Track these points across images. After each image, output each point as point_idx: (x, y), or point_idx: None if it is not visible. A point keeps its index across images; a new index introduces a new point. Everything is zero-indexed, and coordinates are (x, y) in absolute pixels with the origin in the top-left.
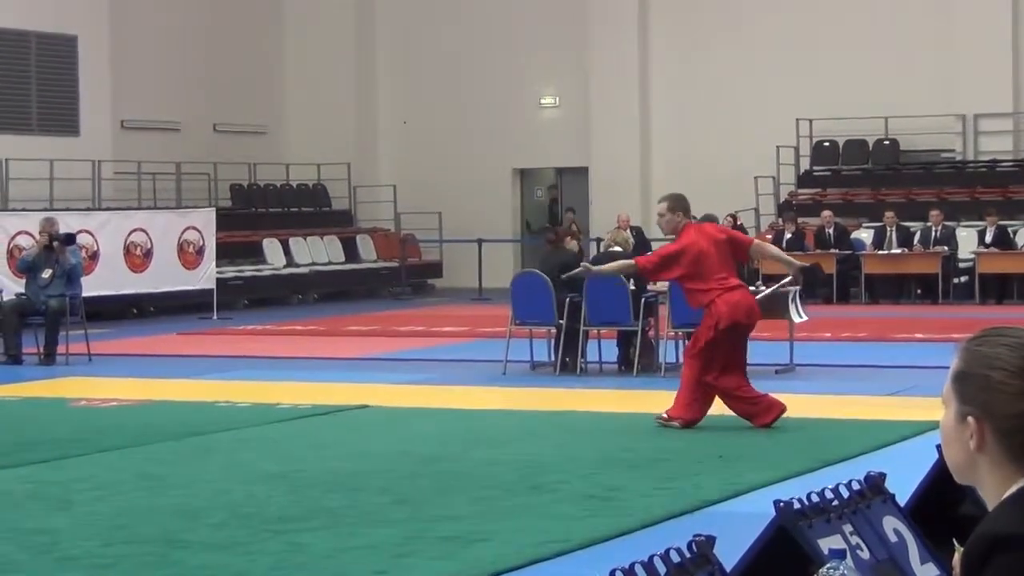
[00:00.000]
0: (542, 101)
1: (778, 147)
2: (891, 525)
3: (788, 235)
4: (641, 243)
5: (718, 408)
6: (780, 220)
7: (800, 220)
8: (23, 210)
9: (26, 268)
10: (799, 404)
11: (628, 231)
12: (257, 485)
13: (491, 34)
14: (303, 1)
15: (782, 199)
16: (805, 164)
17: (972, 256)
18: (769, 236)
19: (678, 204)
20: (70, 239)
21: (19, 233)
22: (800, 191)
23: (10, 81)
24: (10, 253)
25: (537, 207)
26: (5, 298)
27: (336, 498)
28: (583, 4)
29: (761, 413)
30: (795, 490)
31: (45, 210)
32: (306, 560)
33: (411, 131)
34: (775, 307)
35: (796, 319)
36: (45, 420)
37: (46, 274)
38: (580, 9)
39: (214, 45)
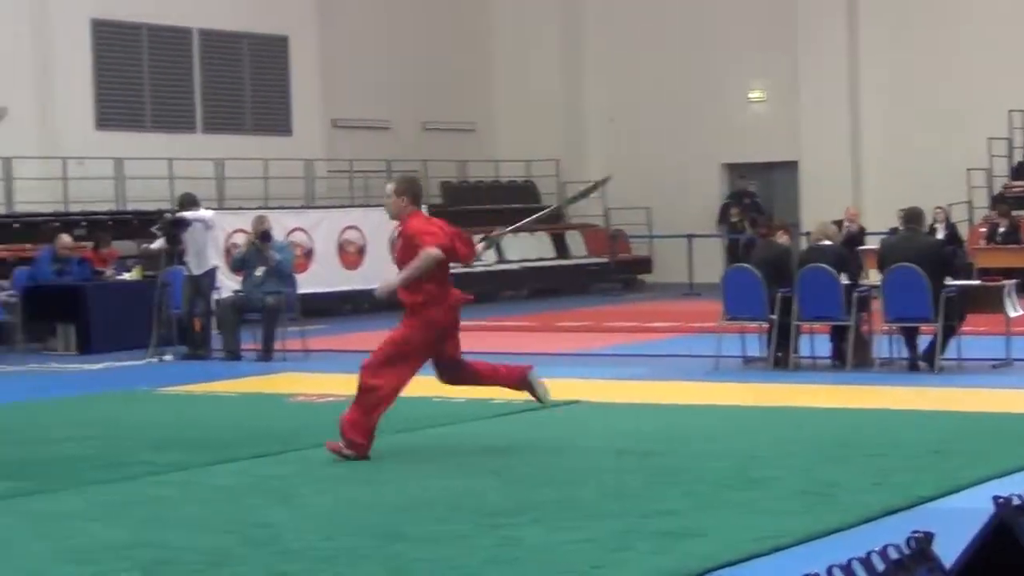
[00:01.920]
0: (750, 95)
1: (990, 139)
2: None
3: (1002, 228)
4: (854, 239)
5: (935, 403)
6: (993, 213)
7: (1014, 213)
8: (239, 208)
9: (238, 265)
10: (1016, 399)
11: (851, 225)
12: (473, 479)
13: (698, 29)
14: None
15: (995, 192)
16: (1019, 156)
17: None
18: (983, 229)
19: (407, 188)
20: (266, 236)
21: (236, 231)
22: (1014, 183)
23: (224, 82)
24: (227, 251)
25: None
26: (223, 295)
27: (549, 492)
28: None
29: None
30: (1014, 486)
31: (260, 208)
32: (522, 554)
33: (619, 127)
34: (991, 301)
35: (1012, 313)
36: (264, 415)
37: (259, 271)
38: (789, 2)
39: (423, 44)
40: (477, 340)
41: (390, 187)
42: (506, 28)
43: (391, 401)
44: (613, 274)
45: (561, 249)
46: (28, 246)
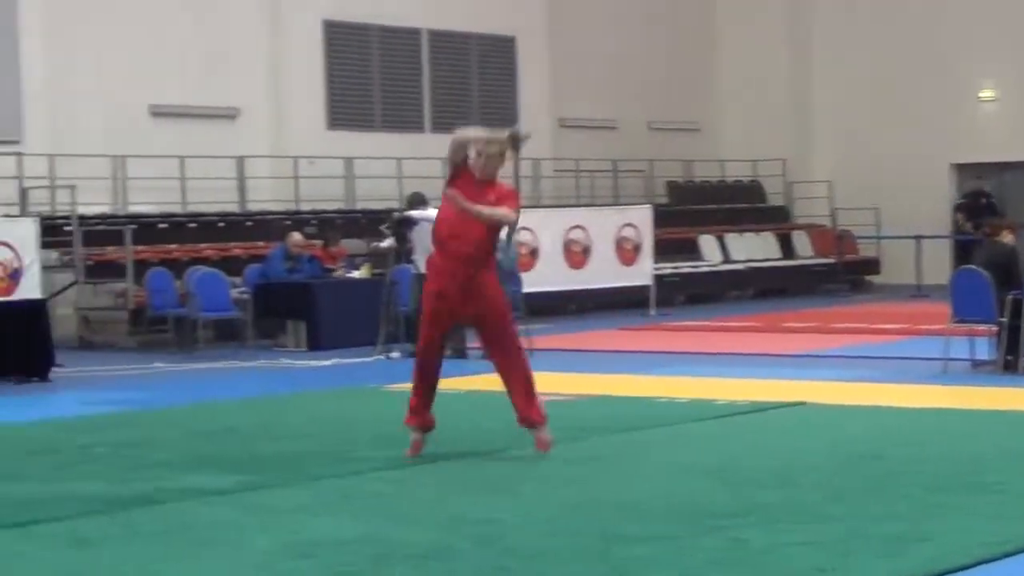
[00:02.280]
0: (980, 95)
1: None
2: None
3: None
4: None
5: None
6: None
7: None
8: None
9: None
10: None
11: None
12: (694, 480)
13: (928, 28)
14: None
15: None
16: None
17: None
18: None
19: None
20: None
21: None
22: None
23: (453, 82)
24: None
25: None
26: None
27: (773, 494)
28: None
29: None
30: None
31: None
32: (745, 555)
33: (847, 126)
34: None
35: None
36: (488, 413)
37: None
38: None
39: (650, 42)
40: (700, 340)
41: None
42: (733, 26)
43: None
44: (840, 275)
45: (787, 249)
46: (260, 244)
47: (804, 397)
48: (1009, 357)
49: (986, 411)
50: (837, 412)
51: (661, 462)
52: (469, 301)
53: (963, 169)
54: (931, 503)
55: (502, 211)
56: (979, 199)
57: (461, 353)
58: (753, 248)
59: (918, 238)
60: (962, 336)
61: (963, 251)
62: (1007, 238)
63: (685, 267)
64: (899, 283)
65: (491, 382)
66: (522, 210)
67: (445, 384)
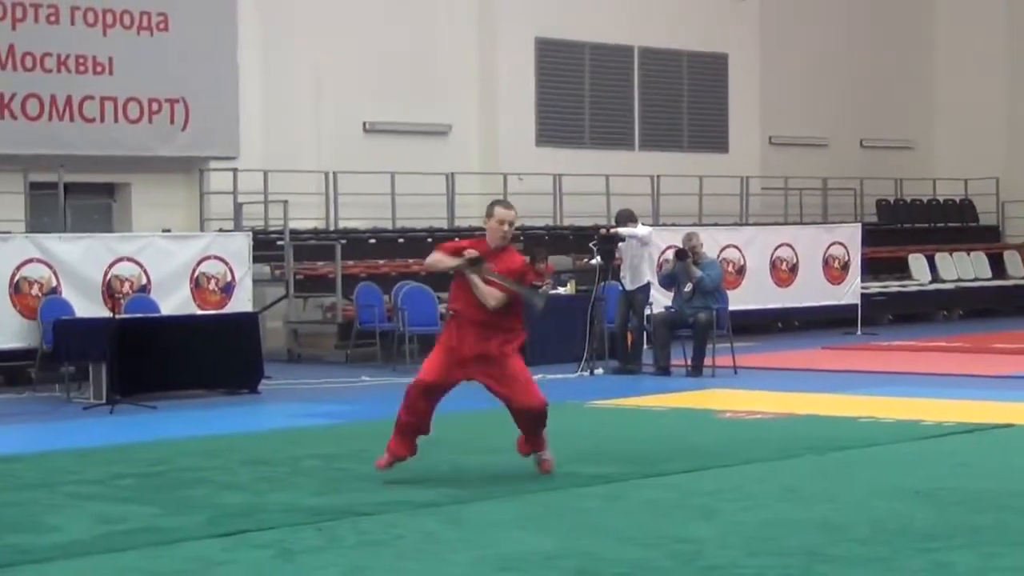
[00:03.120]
0: None
1: None
2: None
3: None
4: None
5: None
6: None
7: None
8: (672, 225)
9: (666, 282)
10: None
11: None
12: (900, 501)
13: None
14: (953, 13)
15: None
16: None
17: None
18: None
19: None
20: (680, 255)
21: (668, 247)
22: None
23: (663, 99)
24: (659, 267)
25: None
26: (655, 311)
27: (981, 517)
28: None
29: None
30: None
31: (693, 225)
32: None
33: None
34: None
35: None
36: (692, 431)
37: (687, 288)
38: None
39: (862, 60)
40: (907, 360)
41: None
42: (948, 44)
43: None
44: None
45: (998, 269)
46: None
47: (1013, 419)
48: None
49: None
50: None
51: (866, 482)
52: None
53: None
54: None
55: (487, 291)
56: None
57: (665, 370)
58: (963, 267)
59: None
60: None
61: None
62: None
63: (893, 286)
64: None
65: (695, 399)
66: (729, 228)
67: (649, 401)
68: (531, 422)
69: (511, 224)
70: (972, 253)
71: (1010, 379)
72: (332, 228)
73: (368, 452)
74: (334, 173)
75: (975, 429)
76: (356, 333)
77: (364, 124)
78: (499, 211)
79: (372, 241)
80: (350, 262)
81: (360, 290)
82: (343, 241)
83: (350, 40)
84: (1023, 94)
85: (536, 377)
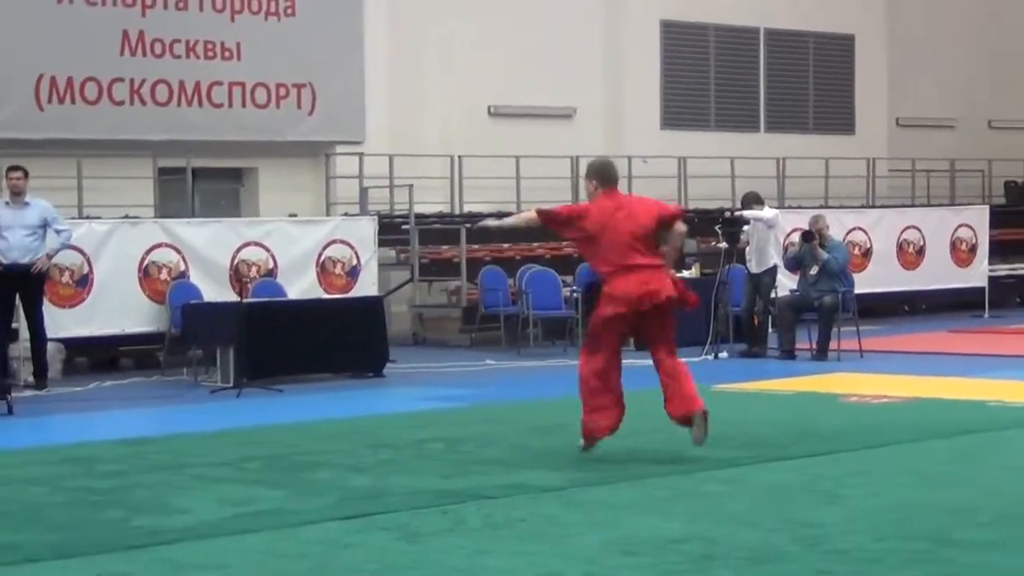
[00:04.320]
0: None
1: None
2: None
3: None
4: None
5: None
6: None
7: None
8: (798, 207)
9: (792, 265)
10: None
11: None
12: None
13: None
14: None
15: None
16: None
17: None
18: None
19: (592, 172)
20: (807, 236)
21: (794, 230)
22: None
23: (789, 81)
24: (785, 249)
25: None
26: (780, 294)
27: None
28: None
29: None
30: None
31: (820, 207)
32: None
33: None
34: None
35: None
36: (817, 415)
37: (813, 270)
38: None
39: (990, 40)
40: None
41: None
42: None
43: (585, 383)
44: None
45: None
46: None
47: None
48: None
49: None
50: None
51: (993, 466)
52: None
53: None
54: None
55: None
56: None
57: (790, 354)
58: None
59: None
60: None
61: None
62: None
63: (1021, 268)
64: None
65: (820, 383)
66: (855, 211)
67: (774, 385)
68: None
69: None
70: None
71: None
72: (457, 212)
73: (492, 435)
74: (459, 157)
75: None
76: (480, 317)
77: (489, 108)
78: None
79: None
80: (475, 246)
81: (484, 274)
82: (468, 225)
83: (475, 24)
84: None
85: None
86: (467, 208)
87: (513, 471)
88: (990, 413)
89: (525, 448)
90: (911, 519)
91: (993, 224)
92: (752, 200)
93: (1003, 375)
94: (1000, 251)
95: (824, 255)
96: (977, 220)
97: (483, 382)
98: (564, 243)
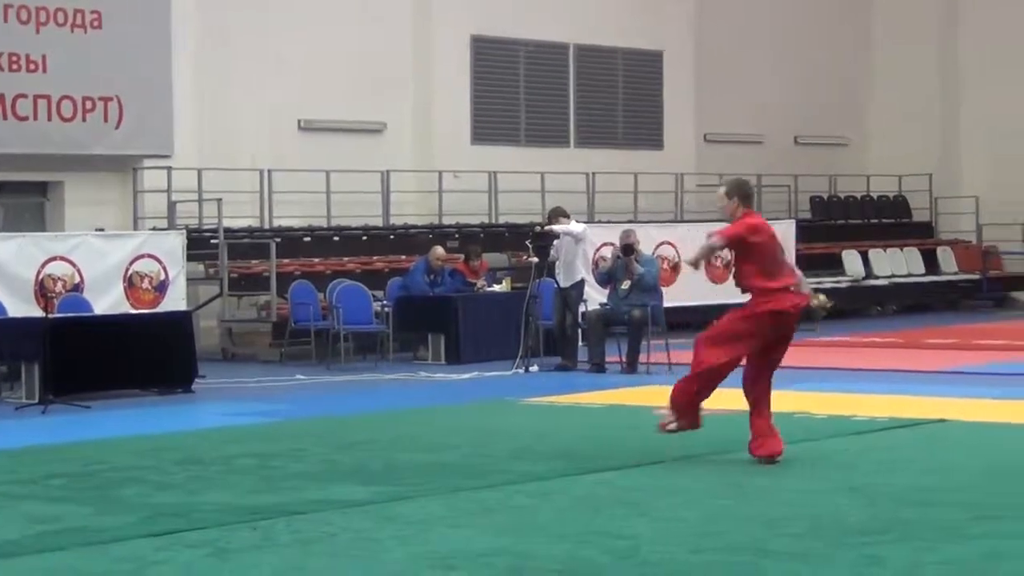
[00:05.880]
0: None
1: None
2: None
3: None
4: None
5: None
6: None
7: None
8: (608, 222)
9: (604, 279)
10: None
11: None
12: (835, 496)
13: None
14: (889, 12)
15: None
16: None
17: None
18: None
19: (734, 190)
20: (628, 250)
21: (603, 244)
22: None
23: (598, 97)
24: (595, 264)
25: None
26: (589, 308)
27: (913, 512)
28: None
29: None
30: None
31: (629, 222)
32: (883, 573)
33: (995, 142)
34: None
35: None
36: (627, 427)
37: (624, 285)
38: None
39: (796, 57)
40: (841, 356)
41: (721, 190)
42: (883, 42)
43: (703, 379)
44: (984, 291)
45: (931, 265)
46: (403, 257)
47: (946, 414)
48: None
49: None
50: (979, 429)
51: (799, 478)
52: None
53: None
54: None
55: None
56: None
57: (600, 367)
58: (897, 263)
59: None
60: None
61: None
62: None
63: (827, 282)
64: None
65: (630, 396)
66: (664, 225)
67: (584, 398)
68: None
69: (721, 198)
70: (905, 249)
71: (943, 374)
72: (267, 226)
73: (302, 450)
74: (269, 171)
75: (908, 424)
76: (290, 331)
77: (299, 122)
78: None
79: (307, 239)
80: (285, 260)
81: (294, 288)
82: (278, 239)
83: (285, 38)
84: (956, 91)
85: (471, 375)
86: (277, 223)
87: (323, 486)
88: (796, 425)
89: (336, 463)
90: (722, 530)
91: (799, 238)
92: (558, 215)
93: (809, 387)
94: (806, 265)
95: (640, 269)
96: (783, 234)
97: (293, 397)
98: (375, 257)
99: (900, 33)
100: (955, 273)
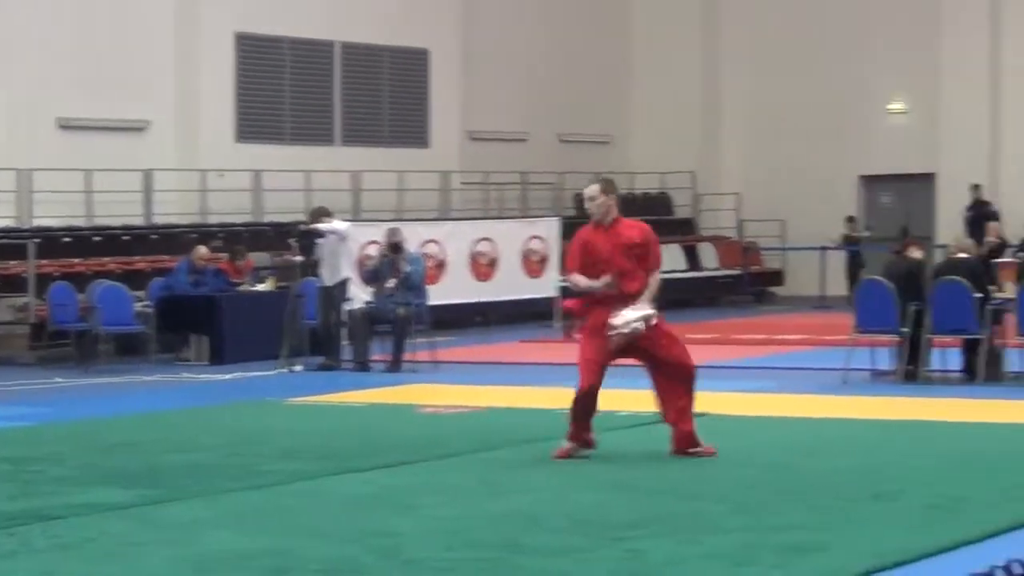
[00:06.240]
0: (889, 107)
1: None
2: None
3: None
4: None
5: None
6: None
7: None
8: (373, 220)
9: (371, 277)
10: None
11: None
12: (596, 492)
13: (838, 40)
14: (650, 11)
15: None
16: None
17: None
18: None
19: (612, 188)
20: (397, 248)
21: (369, 243)
22: None
23: (364, 95)
24: (360, 262)
25: (881, 214)
26: (354, 307)
27: (674, 506)
28: (934, 9)
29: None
30: None
31: (394, 220)
32: (643, 567)
33: (755, 139)
34: None
35: None
36: (392, 426)
37: (390, 283)
38: (931, 14)
39: (561, 56)
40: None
41: (595, 187)
42: (645, 41)
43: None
44: (745, 286)
45: (693, 261)
46: (165, 257)
47: (707, 408)
48: (910, 367)
49: (887, 420)
50: (740, 423)
51: (562, 474)
52: None
53: (870, 181)
54: (831, 513)
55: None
56: (982, 208)
57: (364, 366)
58: None
59: (823, 249)
60: (864, 347)
61: (854, 262)
62: (915, 253)
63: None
64: (803, 294)
65: (395, 395)
66: (430, 223)
67: (349, 397)
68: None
69: (592, 198)
70: (668, 245)
71: (703, 368)
72: (25, 227)
73: (60, 454)
74: (27, 170)
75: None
76: (49, 334)
77: (57, 120)
78: (584, 192)
79: (67, 240)
80: (44, 261)
81: (53, 289)
82: (37, 240)
83: (43, 35)
84: (716, 89)
85: (235, 375)
86: (36, 223)
87: (83, 490)
88: (560, 420)
89: (95, 467)
90: (484, 528)
91: (564, 236)
92: (321, 214)
93: (572, 384)
94: None
95: (408, 267)
96: (548, 232)
97: (52, 401)
98: (137, 257)
99: (662, 31)
100: (716, 269)
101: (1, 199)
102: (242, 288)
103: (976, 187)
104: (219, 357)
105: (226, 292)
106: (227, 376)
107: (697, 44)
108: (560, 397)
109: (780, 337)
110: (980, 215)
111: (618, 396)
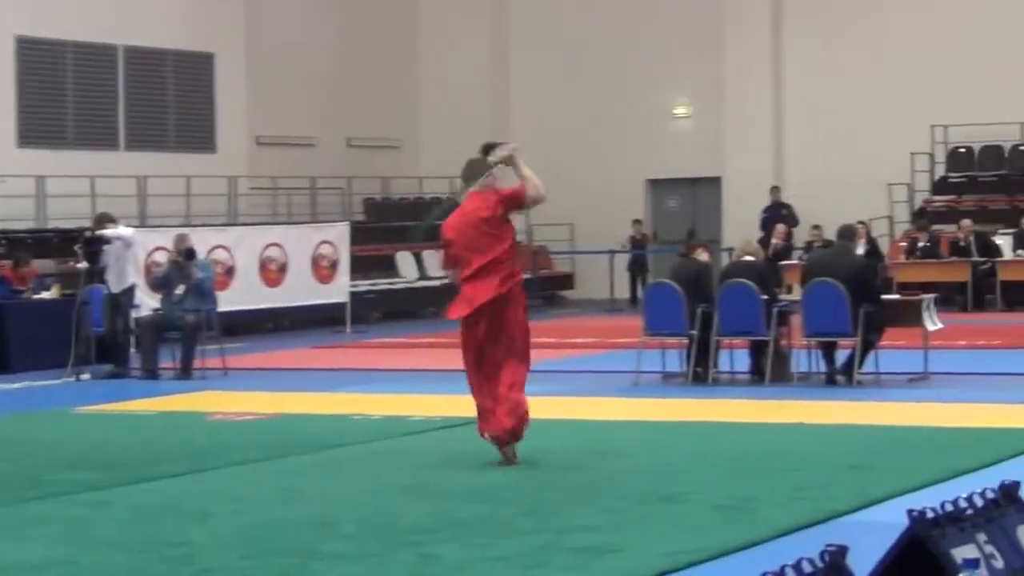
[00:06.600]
0: (674, 111)
1: (912, 154)
2: None
3: (921, 243)
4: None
5: (852, 417)
6: (914, 228)
7: (935, 227)
8: (160, 226)
9: (159, 284)
10: (933, 413)
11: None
12: (390, 497)
13: (624, 47)
14: (437, 16)
15: (916, 206)
16: (940, 171)
17: None
18: (903, 244)
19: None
20: (190, 254)
21: (156, 249)
22: (935, 198)
23: (149, 99)
24: (147, 269)
25: (668, 218)
26: (142, 314)
27: (467, 509)
28: (717, 15)
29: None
30: (928, 499)
31: (182, 226)
32: (437, 571)
33: (543, 144)
34: (910, 315)
35: (930, 327)
36: (182, 434)
37: (179, 290)
38: (714, 20)
39: (348, 61)
40: (395, 357)
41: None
42: (432, 45)
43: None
44: (535, 290)
45: None
46: None
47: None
48: (698, 369)
49: (676, 422)
50: (532, 426)
51: (356, 479)
52: None
53: (657, 185)
54: (623, 515)
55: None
56: (780, 210)
57: (153, 374)
58: None
59: (612, 253)
60: (654, 349)
61: (636, 265)
62: (702, 256)
63: (382, 284)
64: (593, 298)
65: (184, 402)
66: (218, 229)
67: (138, 405)
68: None
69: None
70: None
71: None
72: None
73: None
74: None
75: (462, 423)
76: None
77: None
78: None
79: None
80: None
81: None
82: None
83: None
84: (504, 94)
85: (21, 384)
86: None
87: None
88: (352, 426)
89: None
90: (278, 535)
91: (354, 241)
92: (105, 220)
93: (365, 389)
94: (361, 267)
95: (199, 274)
96: (338, 237)
97: None
98: None
99: (450, 35)
100: None
101: None
102: (26, 296)
103: (775, 189)
104: (5, 366)
105: (10, 300)
106: (14, 385)
107: (485, 48)
108: (353, 402)
109: (571, 341)
110: (773, 217)
111: (412, 401)
